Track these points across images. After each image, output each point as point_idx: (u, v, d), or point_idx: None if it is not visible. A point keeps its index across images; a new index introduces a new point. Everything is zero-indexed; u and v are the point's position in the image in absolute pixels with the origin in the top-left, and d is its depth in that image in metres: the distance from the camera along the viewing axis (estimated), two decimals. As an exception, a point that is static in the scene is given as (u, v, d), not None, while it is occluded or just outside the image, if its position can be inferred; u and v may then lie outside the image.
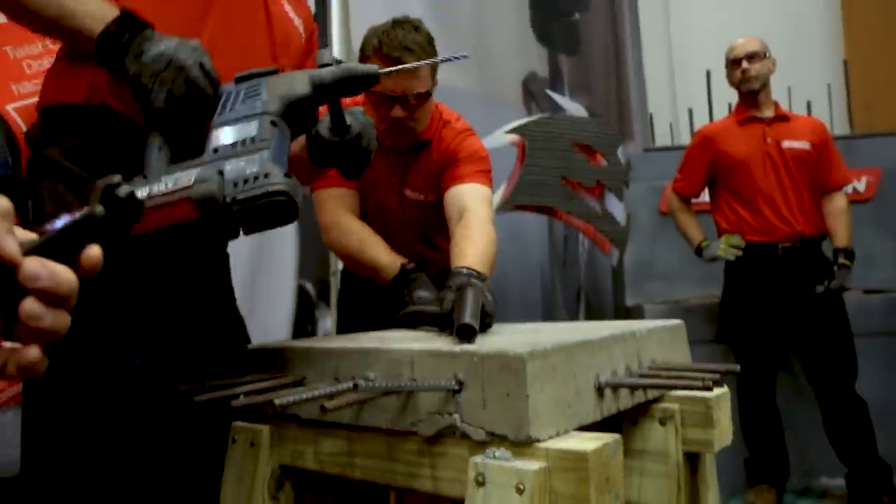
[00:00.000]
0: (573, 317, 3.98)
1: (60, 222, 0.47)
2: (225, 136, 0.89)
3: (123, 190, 0.57)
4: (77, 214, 0.47)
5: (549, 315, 3.82)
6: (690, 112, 4.28)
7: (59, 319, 0.44)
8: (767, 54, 2.78)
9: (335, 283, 2.44)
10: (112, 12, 0.95)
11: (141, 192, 0.81)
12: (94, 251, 0.47)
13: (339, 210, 1.73)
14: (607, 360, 0.97)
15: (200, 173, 0.82)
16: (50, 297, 0.43)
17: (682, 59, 4.93)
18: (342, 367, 1.00)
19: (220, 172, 0.82)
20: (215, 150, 0.87)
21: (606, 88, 4.51)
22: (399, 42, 1.56)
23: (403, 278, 1.53)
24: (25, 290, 0.43)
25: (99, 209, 0.47)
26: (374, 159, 1.72)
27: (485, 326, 1.13)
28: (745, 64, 2.75)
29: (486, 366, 0.84)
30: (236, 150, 0.86)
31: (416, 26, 1.63)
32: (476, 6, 3.60)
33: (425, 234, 1.86)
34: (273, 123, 0.90)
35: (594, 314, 4.04)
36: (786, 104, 3.90)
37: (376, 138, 1.69)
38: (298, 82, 0.93)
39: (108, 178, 0.71)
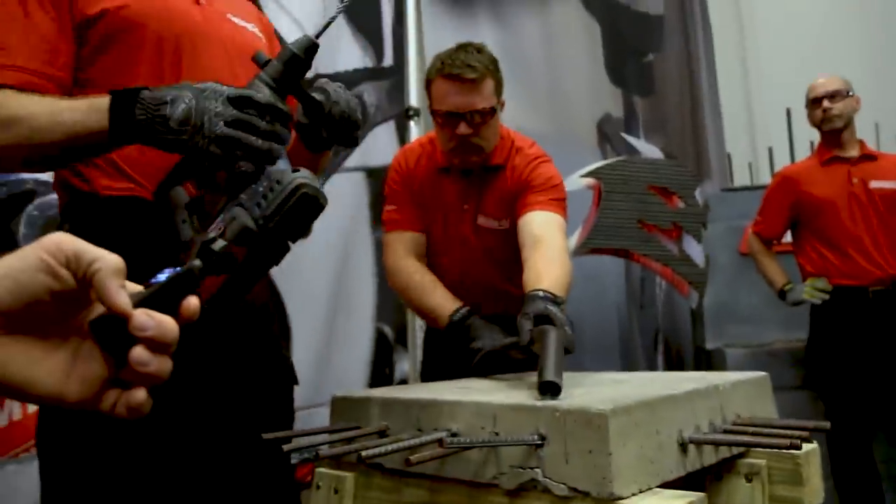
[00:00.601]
0: (651, 359, 3.90)
1: (164, 276, 0.53)
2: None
3: (219, 245, 0.61)
4: (179, 269, 0.52)
5: (626, 358, 3.75)
6: (770, 151, 4.18)
7: (163, 365, 0.49)
8: (850, 93, 2.71)
9: (413, 327, 2.48)
10: (103, 100, 0.94)
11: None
12: (193, 302, 0.51)
13: (401, 253, 1.75)
14: (690, 415, 0.96)
15: (224, 217, 0.86)
16: (156, 345, 0.48)
17: (760, 98, 4.83)
18: (424, 419, 1.02)
19: (239, 205, 0.86)
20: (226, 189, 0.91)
21: (682, 129, 4.46)
22: (461, 61, 1.58)
23: (457, 326, 1.54)
24: (135, 339, 0.47)
25: (197, 263, 0.52)
26: (444, 186, 1.78)
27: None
28: (826, 103, 2.68)
29: (569, 421, 0.84)
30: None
31: (479, 48, 1.65)
32: (548, 48, 3.63)
33: (502, 263, 1.83)
34: None
35: (673, 357, 3.95)
36: (873, 141, 3.79)
37: (446, 162, 1.74)
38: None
39: (203, 234, 0.76)
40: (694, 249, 3.05)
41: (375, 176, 2.53)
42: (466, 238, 1.80)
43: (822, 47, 4.48)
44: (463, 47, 1.63)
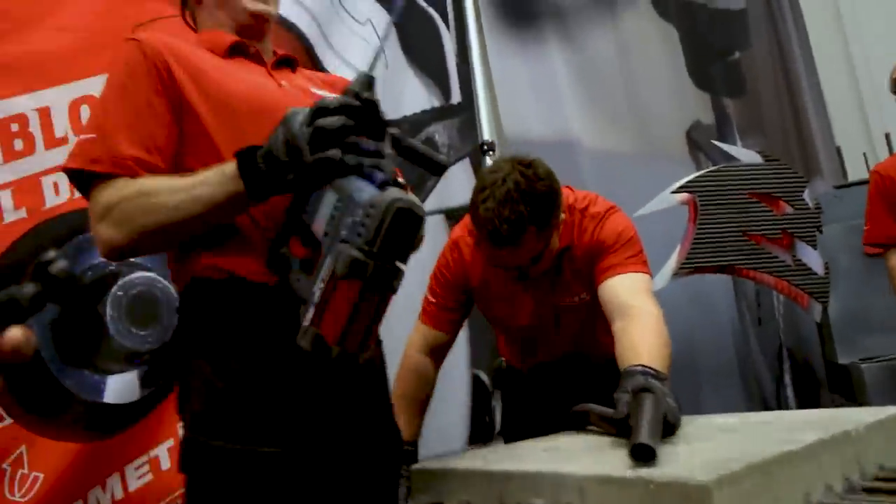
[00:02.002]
0: (778, 378, 3.59)
1: None
2: (319, 220, 0.91)
3: (57, 266, 0.60)
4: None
5: (747, 378, 3.47)
6: (888, 137, 3.81)
7: None
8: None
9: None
10: (229, 166, 0.97)
11: (308, 315, 0.84)
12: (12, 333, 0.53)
13: (416, 346, 1.76)
14: (817, 473, 0.81)
15: (328, 257, 0.85)
16: None
17: (868, 81, 4.44)
18: (507, 493, 0.92)
19: (342, 241, 0.84)
20: (325, 234, 0.89)
21: (783, 127, 4.15)
22: (499, 220, 1.43)
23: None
24: None
25: (30, 288, 0.54)
26: (507, 281, 1.70)
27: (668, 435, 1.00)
28: None
29: (664, 497, 0.72)
30: (335, 216, 0.88)
31: (524, 191, 1.46)
32: (624, 61, 3.47)
33: (586, 333, 1.75)
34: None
35: (801, 373, 3.62)
36: None
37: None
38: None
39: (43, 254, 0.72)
40: (810, 256, 2.79)
41: (455, 217, 2.46)
42: (542, 316, 1.72)
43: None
44: (504, 199, 1.44)
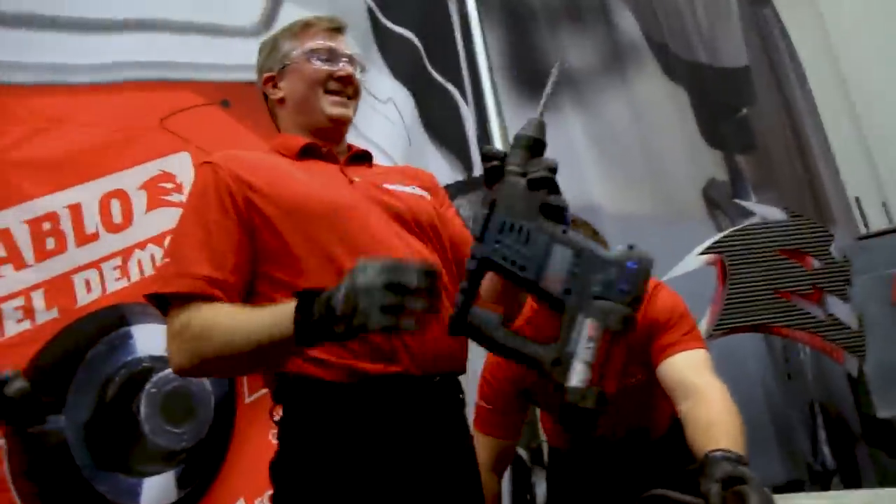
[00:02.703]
0: (812, 433, 3.50)
1: None
2: (554, 277, 0.84)
3: (13, 388, 0.62)
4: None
5: (780, 433, 3.39)
6: (904, 185, 3.82)
7: None
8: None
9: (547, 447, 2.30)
10: (287, 307, 0.96)
11: (579, 376, 0.81)
12: None
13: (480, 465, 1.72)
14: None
15: (584, 315, 0.81)
16: None
17: (876, 132, 4.48)
18: None
19: (594, 297, 0.81)
20: (567, 292, 0.83)
21: (794, 179, 4.17)
22: None
23: None
24: None
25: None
26: None
27: None
28: None
29: None
30: (577, 273, 0.83)
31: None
32: (637, 124, 3.50)
33: (641, 414, 1.73)
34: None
35: (835, 428, 3.53)
36: None
37: None
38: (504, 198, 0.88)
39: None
40: (842, 310, 2.75)
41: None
42: None
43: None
44: None
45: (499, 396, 1.71)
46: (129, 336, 1.75)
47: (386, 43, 2.66)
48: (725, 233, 2.77)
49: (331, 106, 1.31)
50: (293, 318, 0.93)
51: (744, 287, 2.65)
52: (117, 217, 1.82)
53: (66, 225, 1.75)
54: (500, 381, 1.71)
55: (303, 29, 1.36)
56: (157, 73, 2.02)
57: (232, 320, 1.02)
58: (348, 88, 1.34)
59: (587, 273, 0.81)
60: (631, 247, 0.81)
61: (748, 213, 3.00)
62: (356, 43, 2.52)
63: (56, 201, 1.75)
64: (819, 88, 4.72)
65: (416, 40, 2.78)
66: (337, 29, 1.38)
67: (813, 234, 2.78)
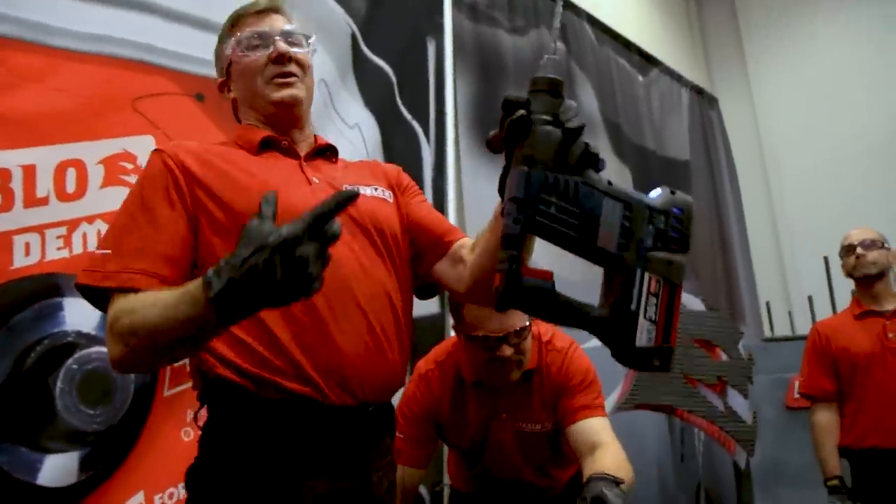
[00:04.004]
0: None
1: None
2: (607, 232, 0.76)
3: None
4: None
5: (664, 512, 3.52)
6: (810, 300, 4.11)
7: None
8: (885, 245, 2.68)
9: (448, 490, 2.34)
10: (196, 282, 0.89)
11: (648, 335, 0.76)
12: None
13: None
14: None
15: (640, 269, 0.77)
16: None
17: (793, 245, 4.81)
18: None
19: (648, 249, 0.77)
20: (620, 246, 0.76)
21: (714, 273, 4.43)
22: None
23: None
24: None
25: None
26: (472, 399, 1.74)
27: None
28: (859, 250, 2.65)
29: None
30: (627, 226, 0.77)
31: None
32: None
33: (541, 463, 1.81)
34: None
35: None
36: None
37: (475, 380, 1.72)
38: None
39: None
40: (739, 404, 2.91)
41: (415, 326, 2.47)
42: (503, 444, 1.77)
43: (854, 196, 4.50)
44: None
45: (413, 427, 1.77)
46: (59, 307, 1.70)
47: (363, 70, 2.72)
48: (648, 313, 2.90)
49: (273, 91, 1.23)
50: (204, 295, 0.85)
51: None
52: (70, 186, 1.79)
53: (17, 184, 1.70)
54: (415, 414, 1.77)
55: (234, 24, 1.30)
56: (138, 53, 2.01)
57: (152, 307, 0.95)
58: (289, 66, 1.24)
59: (639, 225, 0.76)
60: (673, 192, 0.77)
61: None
62: (336, 60, 2.58)
63: (11, 158, 1.70)
64: (747, 195, 5.06)
65: (391, 73, 2.85)
66: (266, 9, 1.29)
67: (725, 330, 2.95)
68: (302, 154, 1.26)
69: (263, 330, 1.06)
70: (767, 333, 4.39)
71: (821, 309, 3.95)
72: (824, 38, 5.01)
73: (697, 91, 5.14)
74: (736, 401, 2.92)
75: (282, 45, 1.23)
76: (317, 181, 1.20)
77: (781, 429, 3.26)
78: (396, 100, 2.85)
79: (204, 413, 1.13)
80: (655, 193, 0.78)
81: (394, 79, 2.85)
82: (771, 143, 5.17)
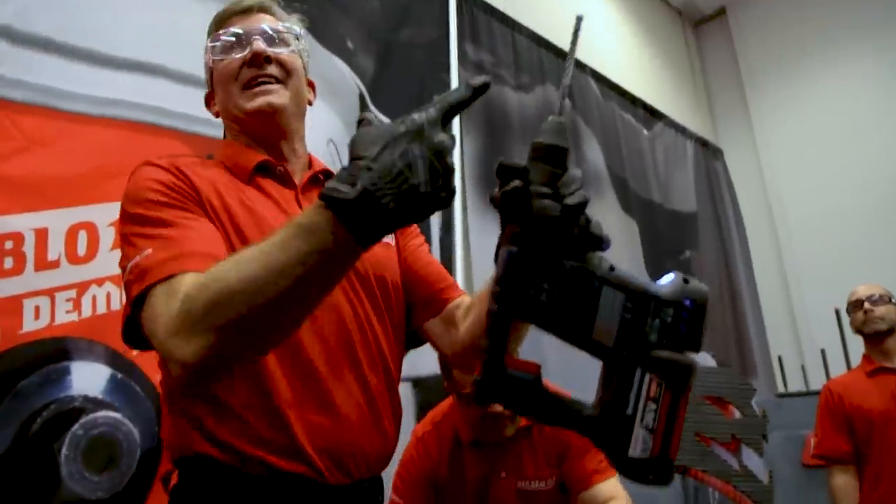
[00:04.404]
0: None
1: None
2: (605, 325, 0.66)
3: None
4: None
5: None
6: (823, 353, 4.06)
7: None
8: (893, 300, 2.66)
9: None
10: (311, 211, 0.72)
11: (644, 444, 0.66)
12: None
13: None
14: None
15: (641, 370, 0.67)
16: None
17: (803, 298, 4.78)
18: None
19: (652, 347, 0.66)
20: (618, 342, 0.67)
21: (724, 326, 4.39)
22: None
23: None
24: None
25: None
26: (469, 459, 1.72)
27: None
28: (867, 305, 2.64)
29: None
30: (629, 319, 0.67)
31: None
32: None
33: None
34: None
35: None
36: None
37: (472, 439, 1.69)
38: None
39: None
40: (755, 463, 2.85)
41: (422, 386, 2.45)
42: (506, 501, 1.73)
43: (862, 245, 4.48)
44: None
45: (413, 490, 1.75)
46: (67, 371, 1.69)
47: (371, 128, 2.75)
48: (659, 369, 2.87)
49: (247, 100, 1.07)
50: (329, 215, 0.69)
51: (668, 425, 2.74)
52: (82, 249, 1.80)
53: (29, 248, 1.72)
54: (414, 477, 1.75)
55: (215, 27, 1.15)
56: (149, 116, 2.05)
57: (240, 264, 0.75)
58: (266, 68, 1.08)
59: (641, 317, 0.66)
60: (686, 280, 0.67)
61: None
62: (344, 119, 2.61)
63: (24, 222, 1.72)
64: (755, 246, 5.05)
65: (399, 131, 2.88)
66: (250, 7, 1.14)
67: (737, 386, 2.89)
68: (297, 181, 1.11)
69: (256, 393, 0.92)
70: (780, 388, 4.32)
71: (834, 362, 3.90)
72: (827, 88, 5.06)
73: (702, 143, 5.18)
74: (751, 459, 2.84)
75: (258, 45, 1.08)
76: None
77: (799, 488, 3.18)
78: (404, 157, 2.88)
79: (175, 477, 0.99)
80: (667, 280, 0.68)
81: (401, 136, 2.87)
82: (777, 193, 5.17)
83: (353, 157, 0.70)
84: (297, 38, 1.15)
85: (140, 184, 0.95)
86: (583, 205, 0.64)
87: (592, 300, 0.65)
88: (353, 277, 1.03)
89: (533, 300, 0.64)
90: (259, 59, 1.07)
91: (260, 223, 0.99)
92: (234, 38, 1.10)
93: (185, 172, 0.98)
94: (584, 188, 0.65)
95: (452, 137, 0.71)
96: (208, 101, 1.19)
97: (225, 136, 1.19)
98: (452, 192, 0.72)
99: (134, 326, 0.88)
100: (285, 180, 1.09)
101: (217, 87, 1.13)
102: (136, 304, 0.85)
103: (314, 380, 0.96)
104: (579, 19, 0.71)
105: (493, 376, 0.65)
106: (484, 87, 0.72)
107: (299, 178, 1.12)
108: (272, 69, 1.08)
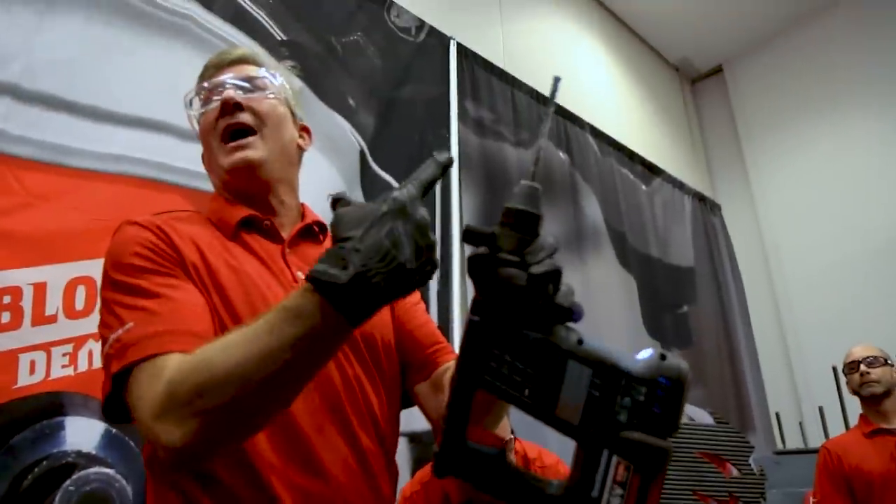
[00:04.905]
0: None
1: None
2: (568, 403, 0.63)
3: None
4: None
5: None
6: (821, 410, 4.04)
7: None
8: (889, 361, 2.67)
9: None
10: (297, 293, 0.72)
11: None
12: None
13: None
14: None
15: (608, 452, 0.63)
16: None
17: (801, 354, 4.77)
18: None
19: (622, 427, 0.62)
20: (584, 422, 0.63)
21: (721, 380, 4.37)
22: None
23: None
24: None
25: None
26: None
27: None
28: (863, 367, 2.65)
29: None
30: (597, 396, 0.64)
31: None
32: (587, 303, 3.61)
33: None
34: None
35: None
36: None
37: (458, 496, 1.68)
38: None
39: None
40: (753, 523, 2.82)
41: (417, 441, 2.44)
42: None
43: (860, 302, 4.49)
44: None
45: None
46: (61, 426, 1.69)
47: (370, 185, 2.79)
48: (656, 426, 2.86)
49: (224, 155, 1.05)
50: (318, 299, 0.69)
51: (666, 484, 2.71)
52: (80, 304, 1.82)
53: (27, 302, 1.73)
54: None
55: (199, 82, 1.13)
56: (152, 172, 2.09)
57: (228, 349, 0.74)
58: (239, 116, 1.06)
59: (610, 395, 0.62)
60: (663, 356, 0.62)
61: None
62: (344, 175, 2.65)
63: (23, 276, 1.74)
64: (754, 302, 5.05)
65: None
66: (229, 61, 1.12)
67: (735, 444, 2.89)
68: (286, 236, 1.08)
69: (240, 459, 0.89)
70: (779, 445, 4.28)
71: (832, 419, 3.88)
72: (823, 143, 5.13)
73: (700, 198, 5.23)
74: (750, 519, 2.83)
75: (227, 94, 1.06)
76: (302, 276, 1.01)
77: (798, 549, 3.14)
78: (403, 213, 2.91)
79: None
80: (643, 355, 0.63)
81: (400, 192, 2.91)
82: (775, 248, 5.21)
83: (339, 239, 0.70)
84: (275, 83, 1.12)
85: (121, 247, 0.93)
86: (549, 273, 0.61)
87: (557, 374, 0.62)
88: None
89: (494, 372, 0.62)
90: (229, 107, 1.05)
91: (244, 282, 0.97)
92: (207, 91, 1.09)
93: (167, 232, 0.95)
94: (556, 256, 0.63)
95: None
96: (203, 157, 1.17)
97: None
98: (436, 266, 0.73)
99: (115, 402, 0.86)
100: (272, 234, 1.07)
101: (202, 142, 1.11)
102: (118, 380, 0.83)
103: (299, 442, 0.93)
104: (556, 80, 0.68)
105: (453, 448, 0.63)
106: (450, 163, 0.75)
107: (288, 231, 1.09)
108: (244, 117, 1.06)
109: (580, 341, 0.62)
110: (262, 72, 1.12)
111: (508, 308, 0.62)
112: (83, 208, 1.91)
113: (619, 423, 0.60)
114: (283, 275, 1.01)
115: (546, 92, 0.70)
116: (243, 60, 1.13)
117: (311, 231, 1.12)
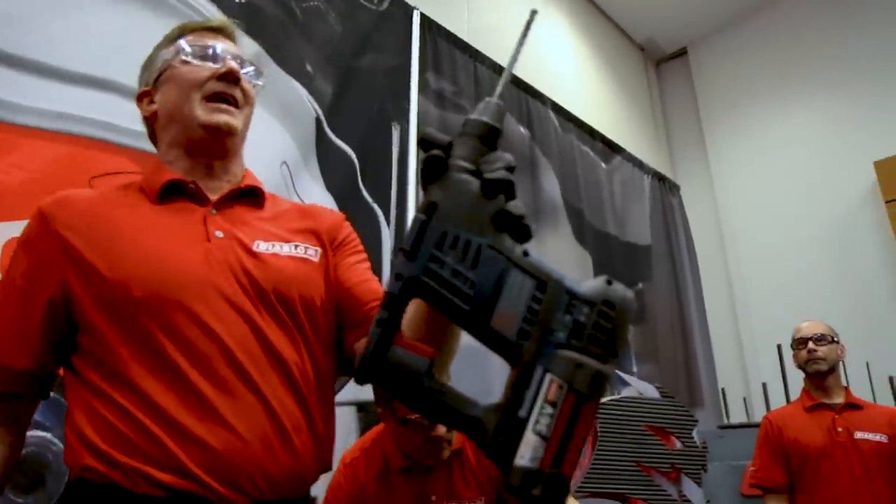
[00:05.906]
0: None
1: None
2: (506, 311, 0.60)
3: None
4: None
5: None
6: (764, 387, 4.15)
7: None
8: (835, 339, 2.75)
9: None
10: None
11: (532, 454, 0.57)
12: None
13: None
14: None
15: (542, 369, 0.59)
16: None
17: (750, 332, 4.89)
18: None
19: (557, 344, 0.59)
20: (522, 333, 0.60)
21: (674, 356, 4.46)
22: None
23: None
24: None
25: None
26: (398, 484, 1.74)
27: None
28: (811, 345, 2.72)
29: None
30: (539, 310, 0.60)
31: None
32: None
33: None
34: None
35: None
36: (864, 380, 3.78)
37: (403, 465, 1.70)
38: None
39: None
40: (693, 493, 2.90)
41: (366, 410, 2.45)
42: None
43: (808, 282, 4.61)
44: None
45: None
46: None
47: (326, 153, 2.77)
48: (603, 400, 2.92)
49: (207, 112, 1.07)
50: None
51: (611, 455, 2.77)
52: (18, 264, 1.78)
53: (-37, 260, 1.70)
54: (340, 501, 1.74)
55: (180, 32, 1.15)
56: (98, 132, 2.05)
57: None
58: (233, 90, 1.10)
59: (551, 311, 0.59)
60: (609, 281, 0.60)
61: (626, 384, 3.19)
62: (299, 142, 2.62)
63: (-42, 234, 1.71)
64: (707, 280, 5.15)
65: (354, 157, 2.90)
66: (220, 28, 1.17)
67: (680, 417, 2.96)
68: (213, 198, 1.09)
69: (135, 406, 0.91)
70: (724, 420, 4.40)
71: (775, 396, 3.99)
72: (777, 127, 5.22)
73: (659, 178, 5.29)
74: (690, 489, 2.90)
75: (233, 64, 1.11)
76: (220, 235, 1.03)
77: (737, 519, 3.24)
78: (358, 183, 2.90)
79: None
80: (592, 281, 0.61)
81: (357, 163, 2.90)
82: (730, 229, 5.30)
83: None
84: (258, 77, 1.18)
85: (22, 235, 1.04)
86: (502, 182, 0.61)
87: (497, 283, 0.59)
88: (247, 294, 1.00)
89: (433, 274, 0.59)
90: (232, 77, 1.10)
91: (139, 238, 1.00)
92: (209, 51, 1.12)
93: (54, 217, 1.02)
94: (513, 173, 0.62)
95: None
96: (142, 98, 1.15)
97: (158, 147, 1.16)
98: None
99: None
100: (198, 197, 1.08)
101: (170, 88, 1.10)
102: None
103: (197, 398, 0.92)
104: (533, 12, 0.68)
105: (377, 355, 0.59)
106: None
107: (218, 194, 1.09)
108: (237, 93, 1.11)
109: (526, 253, 0.61)
110: (252, 61, 1.18)
111: (457, 211, 0.60)
112: (25, 166, 1.87)
113: (556, 341, 0.58)
114: (198, 234, 1.03)
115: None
116: (230, 35, 1.18)
117: (245, 194, 1.12)
